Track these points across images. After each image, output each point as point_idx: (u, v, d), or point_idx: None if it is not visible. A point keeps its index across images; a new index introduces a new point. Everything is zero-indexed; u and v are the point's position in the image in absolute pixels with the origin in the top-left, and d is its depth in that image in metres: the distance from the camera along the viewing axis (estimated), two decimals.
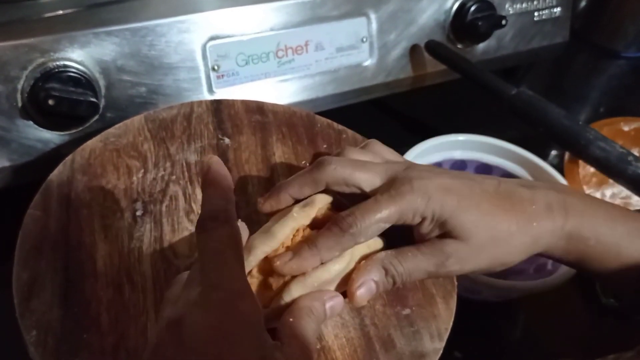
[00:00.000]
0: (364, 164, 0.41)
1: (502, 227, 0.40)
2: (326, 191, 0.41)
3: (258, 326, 0.30)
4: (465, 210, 0.39)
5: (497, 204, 0.40)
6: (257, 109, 0.53)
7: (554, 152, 0.77)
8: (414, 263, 0.39)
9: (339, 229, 0.38)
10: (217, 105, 0.52)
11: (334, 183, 0.40)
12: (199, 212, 0.43)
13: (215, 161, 0.33)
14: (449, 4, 0.70)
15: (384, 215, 0.38)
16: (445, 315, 0.41)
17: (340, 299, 0.38)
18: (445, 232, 0.39)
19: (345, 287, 0.38)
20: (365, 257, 0.39)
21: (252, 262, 0.37)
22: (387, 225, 0.39)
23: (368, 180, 0.40)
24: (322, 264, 0.37)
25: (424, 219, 0.39)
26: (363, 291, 0.38)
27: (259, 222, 0.44)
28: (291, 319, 0.34)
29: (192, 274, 0.33)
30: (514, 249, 0.41)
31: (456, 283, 0.43)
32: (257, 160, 0.49)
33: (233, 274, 0.30)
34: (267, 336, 0.30)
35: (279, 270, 0.36)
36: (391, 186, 0.39)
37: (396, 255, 0.39)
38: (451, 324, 0.41)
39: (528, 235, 0.40)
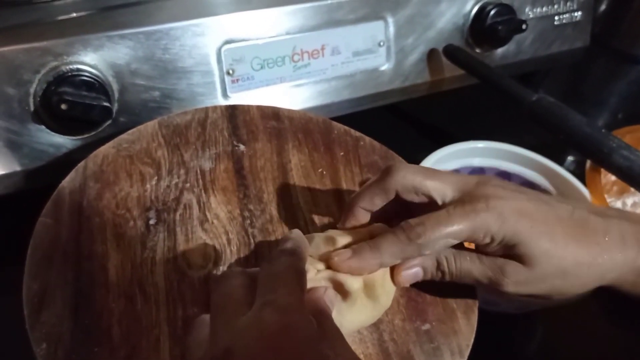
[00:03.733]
0: (435, 172, 0.40)
1: (572, 259, 0.38)
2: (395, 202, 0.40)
3: (313, 340, 0.29)
4: (538, 238, 0.37)
5: (570, 234, 0.38)
6: (273, 114, 0.52)
7: (570, 158, 0.75)
8: (469, 267, 0.38)
9: (405, 237, 0.36)
10: (232, 111, 0.51)
11: (404, 190, 0.39)
12: (213, 221, 0.43)
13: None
14: (468, 8, 0.69)
15: (454, 230, 0.36)
16: (466, 330, 0.40)
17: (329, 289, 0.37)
18: (511, 252, 0.38)
19: None
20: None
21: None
22: (455, 242, 0.37)
23: (439, 189, 0.38)
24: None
25: (493, 240, 0.37)
26: (409, 273, 0.38)
27: (274, 232, 0.43)
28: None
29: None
30: (579, 281, 0.39)
31: (477, 297, 0.42)
32: (272, 167, 0.48)
33: (289, 291, 0.30)
34: (324, 347, 0.29)
35: (335, 266, 0.36)
36: (465, 201, 0.38)
37: (454, 253, 0.38)
38: (472, 340, 0.40)
39: (597, 269, 0.39)
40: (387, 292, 0.38)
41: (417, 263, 0.38)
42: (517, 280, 0.38)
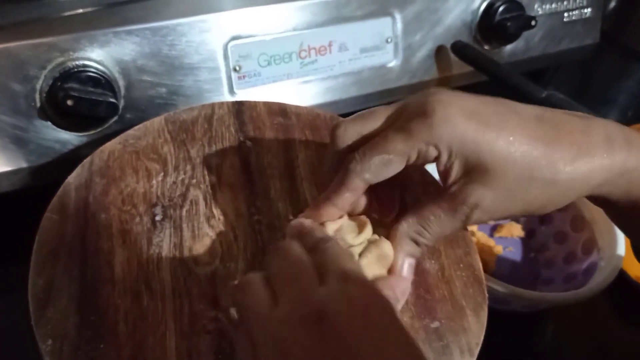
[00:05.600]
0: (385, 136, 0.35)
1: (542, 163, 0.33)
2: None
3: (393, 311, 0.30)
4: (493, 142, 0.33)
5: (538, 135, 0.33)
6: (280, 111, 0.52)
7: None
8: (437, 225, 0.36)
9: (344, 170, 0.36)
10: (239, 107, 0.51)
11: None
12: (220, 217, 0.42)
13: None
14: (476, 4, 0.68)
15: (389, 147, 0.34)
16: (475, 328, 0.39)
17: (406, 281, 0.37)
18: (468, 174, 0.34)
19: None
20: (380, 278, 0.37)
21: None
22: (398, 163, 0.35)
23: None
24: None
25: (439, 151, 0.34)
26: (407, 270, 0.37)
27: (281, 228, 0.42)
28: None
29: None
30: (558, 189, 0.34)
31: (487, 295, 0.41)
32: (279, 164, 0.47)
33: (355, 269, 0.31)
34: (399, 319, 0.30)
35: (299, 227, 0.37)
36: (401, 115, 0.35)
37: (418, 222, 0.36)
38: (482, 338, 0.39)
39: (578, 172, 0.33)
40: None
41: (403, 256, 0.37)
42: (484, 208, 0.34)
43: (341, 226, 0.38)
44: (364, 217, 0.39)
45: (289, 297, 0.29)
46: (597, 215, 0.57)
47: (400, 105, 0.36)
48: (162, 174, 0.44)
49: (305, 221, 0.37)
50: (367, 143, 0.35)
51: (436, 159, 0.35)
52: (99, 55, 0.50)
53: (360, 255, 0.36)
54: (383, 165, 0.35)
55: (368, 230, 0.38)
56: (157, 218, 0.42)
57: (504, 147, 0.33)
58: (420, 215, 0.36)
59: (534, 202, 0.35)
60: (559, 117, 0.35)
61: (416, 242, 0.37)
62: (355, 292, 0.29)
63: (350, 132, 0.37)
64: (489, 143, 0.33)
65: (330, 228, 0.37)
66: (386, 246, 0.37)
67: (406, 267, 0.37)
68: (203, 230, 0.42)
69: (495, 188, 0.34)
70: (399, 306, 0.36)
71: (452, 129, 0.33)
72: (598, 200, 0.37)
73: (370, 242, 0.37)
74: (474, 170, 0.34)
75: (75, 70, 0.48)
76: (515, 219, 0.52)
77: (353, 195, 0.37)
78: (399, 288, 0.36)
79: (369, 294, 0.29)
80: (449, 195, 0.35)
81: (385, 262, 0.37)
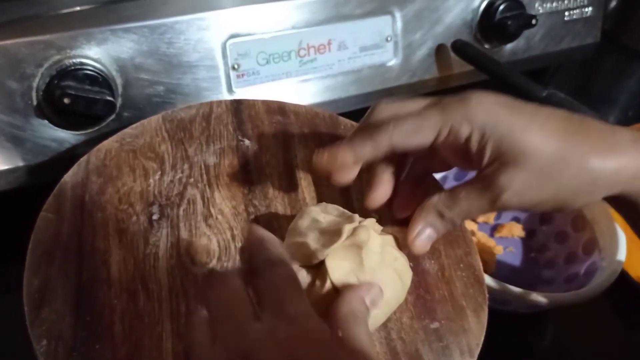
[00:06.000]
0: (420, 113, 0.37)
1: (574, 150, 0.34)
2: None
3: (327, 345, 0.28)
4: (525, 127, 0.34)
5: (566, 127, 0.34)
6: (279, 109, 0.51)
7: None
8: (467, 202, 0.36)
9: (372, 126, 0.36)
10: (237, 106, 0.50)
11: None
12: (217, 216, 0.42)
13: (255, 227, 0.34)
14: (476, 3, 0.68)
15: (423, 115, 0.36)
16: (476, 329, 0.39)
17: (376, 287, 0.35)
18: (501, 156, 0.35)
19: None
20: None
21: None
22: (429, 131, 0.36)
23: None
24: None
25: (471, 133, 0.35)
26: (422, 239, 0.37)
27: (279, 228, 0.42)
28: (341, 333, 0.31)
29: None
30: (589, 178, 0.34)
31: (487, 295, 0.41)
32: (278, 163, 0.47)
33: (295, 301, 0.30)
34: (338, 350, 0.29)
35: (314, 167, 0.38)
36: (439, 102, 0.36)
37: (449, 197, 0.37)
38: (482, 339, 0.39)
39: (608, 166, 0.34)
40: (406, 268, 0.38)
41: (424, 225, 0.37)
42: (515, 190, 0.34)
43: (385, 240, 0.38)
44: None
45: (223, 336, 0.29)
46: (598, 215, 0.57)
47: (439, 97, 0.37)
48: (159, 172, 0.44)
49: (264, 233, 0.34)
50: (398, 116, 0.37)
51: (467, 141, 0.35)
52: (96, 53, 0.49)
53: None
54: (413, 130, 0.36)
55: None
56: (154, 217, 0.41)
57: (537, 131, 0.34)
58: (451, 192, 0.37)
59: (564, 189, 0.35)
60: (585, 118, 0.36)
61: (442, 216, 0.37)
62: (282, 334, 0.27)
63: (389, 110, 0.38)
64: (522, 126, 0.34)
65: (375, 243, 0.36)
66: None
67: (424, 237, 0.37)
68: (200, 229, 0.41)
69: (527, 170, 0.34)
70: (370, 315, 0.34)
71: (487, 110, 0.34)
72: (620, 201, 0.37)
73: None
74: (507, 152, 0.34)
75: (72, 68, 0.48)
76: (542, 210, 0.47)
77: (374, 149, 0.37)
78: (368, 297, 0.34)
79: (299, 336, 0.28)
80: (481, 176, 0.36)
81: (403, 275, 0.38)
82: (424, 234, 0.37)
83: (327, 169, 0.38)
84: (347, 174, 0.38)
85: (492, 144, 0.35)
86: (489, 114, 0.34)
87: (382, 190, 0.40)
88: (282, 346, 0.27)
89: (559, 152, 0.34)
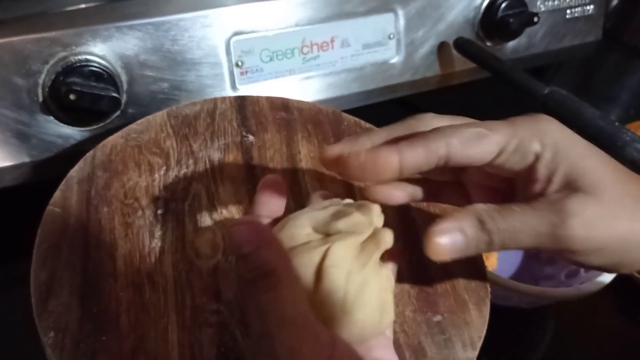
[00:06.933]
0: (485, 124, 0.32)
1: None
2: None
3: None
4: (601, 156, 0.31)
5: (629, 172, 0.31)
6: (282, 105, 0.51)
7: None
8: (521, 219, 0.30)
9: (425, 132, 0.30)
10: (242, 102, 0.51)
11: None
12: (222, 211, 0.42)
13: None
14: (478, 1, 0.68)
15: (489, 125, 0.30)
16: (478, 322, 0.39)
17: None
18: (573, 182, 0.30)
19: None
20: None
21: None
22: (492, 143, 0.30)
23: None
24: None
25: (542, 152, 0.30)
26: (446, 241, 0.29)
27: None
28: None
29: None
30: None
31: (489, 289, 0.41)
32: (282, 158, 0.47)
33: (289, 334, 0.25)
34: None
35: (345, 164, 0.30)
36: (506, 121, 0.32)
37: (499, 209, 0.30)
38: (484, 332, 0.39)
39: None
40: (390, 306, 0.33)
41: (454, 227, 0.30)
42: (585, 218, 0.29)
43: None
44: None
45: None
46: None
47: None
48: (164, 168, 0.44)
49: (258, 227, 0.26)
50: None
51: (535, 161, 0.31)
52: (102, 50, 0.50)
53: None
54: (476, 138, 0.30)
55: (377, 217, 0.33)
56: (159, 212, 0.42)
57: (613, 162, 0.31)
58: (502, 205, 0.31)
59: (628, 242, 0.30)
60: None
61: (482, 224, 0.30)
62: None
63: (439, 120, 0.33)
64: (598, 156, 0.31)
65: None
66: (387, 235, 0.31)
67: (447, 241, 0.30)
68: (205, 224, 0.42)
69: (598, 200, 0.30)
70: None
71: (560, 130, 0.31)
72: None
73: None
74: (580, 179, 0.30)
75: (78, 64, 0.48)
76: (603, 264, 0.33)
77: (426, 156, 0.30)
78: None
79: None
80: (546, 197, 0.31)
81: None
82: (449, 236, 0.30)
83: (361, 173, 0.31)
84: (383, 182, 0.33)
85: (565, 167, 0.30)
86: (562, 135, 0.31)
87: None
88: None
89: (635, 188, 0.31)
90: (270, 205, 0.36)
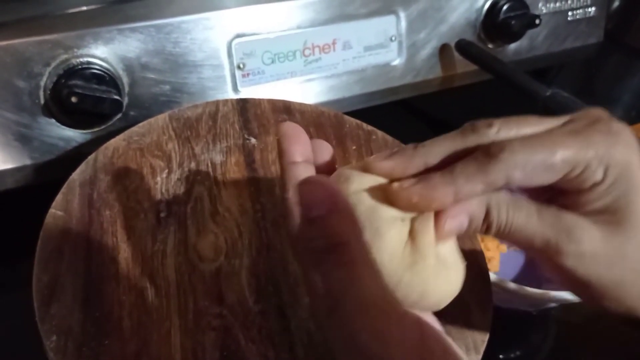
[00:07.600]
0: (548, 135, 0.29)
1: None
2: None
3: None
4: None
5: None
6: (284, 108, 0.51)
7: None
8: (523, 222, 0.29)
9: (484, 154, 0.27)
10: (243, 104, 0.51)
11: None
12: (224, 214, 0.42)
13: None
14: (480, 3, 0.68)
15: (559, 146, 0.27)
16: (481, 326, 0.39)
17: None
18: (611, 210, 0.29)
19: None
20: None
21: None
22: (559, 171, 0.28)
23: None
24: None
25: (602, 180, 0.28)
26: (453, 223, 0.28)
27: (285, 226, 0.42)
28: None
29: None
30: None
31: (492, 292, 0.41)
32: None
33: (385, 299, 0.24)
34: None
35: (395, 196, 0.28)
36: (571, 121, 0.29)
37: (508, 201, 0.29)
38: (488, 335, 0.39)
39: None
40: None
41: (464, 209, 0.29)
42: (583, 251, 0.29)
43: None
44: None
45: None
46: None
47: (567, 116, 0.30)
48: (166, 170, 0.44)
49: (332, 190, 0.24)
50: (521, 139, 0.28)
51: (592, 186, 0.29)
52: (103, 52, 0.50)
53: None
54: (541, 169, 0.28)
55: None
56: (162, 215, 0.42)
57: None
58: (516, 199, 0.30)
59: (625, 283, 0.30)
60: None
61: (487, 213, 0.29)
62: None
63: (501, 129, 0.29)
64: None
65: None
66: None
67: (454, 221, 0.29)
68: (207, 226, 0.41)
69: (612, 238, 0.29)
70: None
71: (630, 153, 0.28)
72: None
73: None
74: (621, 211, 0.29)
75: (80, 67, 0.48)
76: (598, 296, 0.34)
77: (484, 189, 0.28)
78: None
79: None
80: (556, 210, 0.30)
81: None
82: (457, 219, 0.29)
83: (412, 207, 0.28)
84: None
85: (615, 195, 0.29)
86: (630, 159, 0.28)
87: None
88: None
89: None
90: (304, 151, 0.32)
